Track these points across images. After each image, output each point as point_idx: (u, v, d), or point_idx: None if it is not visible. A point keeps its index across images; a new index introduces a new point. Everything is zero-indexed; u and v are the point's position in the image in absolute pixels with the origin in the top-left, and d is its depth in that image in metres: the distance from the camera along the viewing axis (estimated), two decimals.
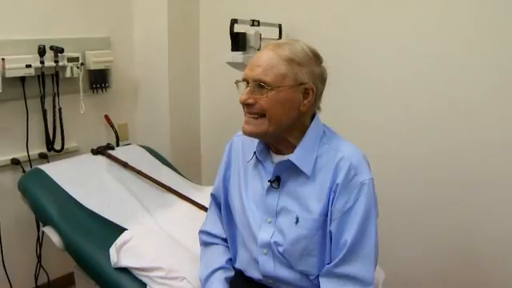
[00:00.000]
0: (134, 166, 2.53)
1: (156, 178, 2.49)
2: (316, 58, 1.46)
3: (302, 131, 1.48)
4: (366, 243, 1.40)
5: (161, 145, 3.03)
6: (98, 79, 2.97)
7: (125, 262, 1.90)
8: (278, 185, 1.50)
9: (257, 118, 1.42)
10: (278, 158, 1.51)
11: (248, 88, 1.42)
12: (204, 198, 2.32)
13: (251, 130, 1.44)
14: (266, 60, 1.40)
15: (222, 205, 1.71)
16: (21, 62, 2.54)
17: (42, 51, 2.61)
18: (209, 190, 2.40)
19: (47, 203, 2.20)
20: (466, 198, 2.25)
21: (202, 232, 1.79)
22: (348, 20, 2.50)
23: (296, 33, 2.66)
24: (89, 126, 3.01)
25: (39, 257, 2.89)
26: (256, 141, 1.54)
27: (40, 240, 2.85)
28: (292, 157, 1.45)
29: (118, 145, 2.87)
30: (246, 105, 1.43)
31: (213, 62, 3.20)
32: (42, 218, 2.23)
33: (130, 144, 2.99)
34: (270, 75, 1.38)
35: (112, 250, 1.94)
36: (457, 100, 2.21)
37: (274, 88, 1.38)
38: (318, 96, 1.47)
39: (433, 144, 2.31)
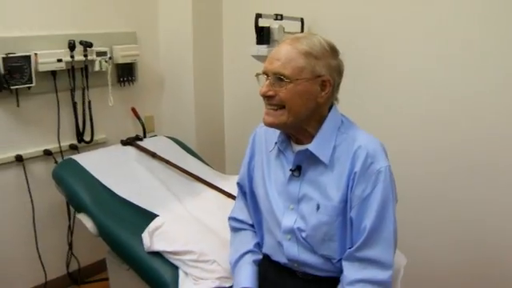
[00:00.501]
0: (162, 156, 2.62)
1: (183, 168, 2.58)
2: (333, 51, 1.50)
3: (320, 121, 1.53)
4: (385, 228, 1.45)
5: (186, 136, 3.10)
6: (125, 73, 3.06)
7: (157, 247, 1.99)
8: (299, 173, 1.55)
9: (276, 110, 1.48)
10: (297, 148, 1.56)
11: (268, 81, 1.48)
12: (230, 187, 2.39)
13: (271, 121, 1.50)
14: (284, 54, 1.46)
15: (248, 193, 1.78)
16: (52, 57, 2.64)
17: (72, 46, 2.71)
18: (234, 179, 2.49)
19: (81, 191, 2.29)
20: (483, 190, 2.30)
21: (230, 218, 1.87)
22: (368, 13, 2.53)
23: (317, 26, 2.71)
24: (116, 118, 3.10)
25: (70, 244, 3.00)
26: (278, 132, 1.61)
27: (71, 228, 2.96)
28: (310, 146, 1.51)
29: (144, 136, 2.95)
30: (266, 97, 1.49)
31: (236, 55, 3.26)
32: (76, 205, 2.32)
33: (156, 135, 3.07)
34: (289, 68, 1.44)
35: (145, 235, 2.03)
36: (471, 94, 2.25)
37: (293, 81, 1.44)
38: (335, 88, 1.52)
39: (446, 135, 2.35)
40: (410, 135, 2.41)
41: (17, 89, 2.54)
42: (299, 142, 1.57)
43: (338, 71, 1.51)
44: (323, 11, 2.71)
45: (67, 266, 3.06)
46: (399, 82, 2.44)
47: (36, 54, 2.58)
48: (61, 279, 3.03)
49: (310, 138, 1.53)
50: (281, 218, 1.58)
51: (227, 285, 1.84)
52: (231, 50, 3.30)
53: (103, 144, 3.02)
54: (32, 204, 2.75)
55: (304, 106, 1.46)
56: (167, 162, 2.57)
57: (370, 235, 1.44)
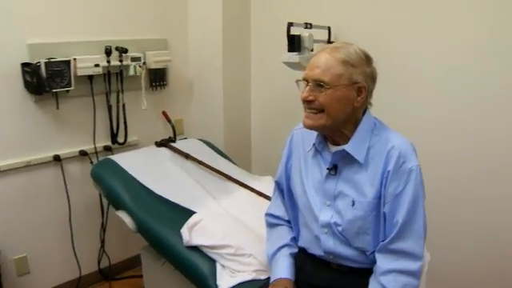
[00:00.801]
0: (195, 157, 2.74)
1: (216, 168, 2.70)
2: (367, 59, 1.62)
3: (355, 124, 1.65)
4: (416, 222, 1.57)
5: (214, 139, 3.20)
6: (157, 77, 3.19)
7: (196, 241, 2.10)
8: (336, 172, 1.67)
9: (316, 113, 1.60)
10: (334, 148, 1.68)
11: (308, 87, 1.60)
12: (261, 187, 2.51)
13: (311, 123, 1.62)
14: (323, 62, 1.57)
15: (285, 190, 1.89)
16: (90, 62, 2.78)
17: (108, 51, 2.84)
18: (264, 179, 2.62)
19: (120, 189, 2.41)
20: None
21: (267, 215, 1.98)
22: (391, 20, 2.61)
23: (343, 34, 2.81)
24: (148, 121, 3.23)
25: (103, 242, 3.13)
26: (315, 133, 1.72)
27: (104, 226, 3.09)
28: (346, 147, 1.62)
29: (174, 138, 3.07)
30: (307, 101, 1.61)
31: (263, 61, 3.37)
32: (114, 203, 2.44)
33: (186, 138, 3.19)
34: (328, 75, 1.55)
35: (184, 231, 2.14)
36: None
37: (332, 87, 1.55)
38: (369, 93, 1.64)
39: (471, 136, 2.41)
40: (436, 136, 2.48)
41: (57, 92, 2.68)
42: (335, 143, 1.68)
43: (372, 78, 1.63)
44: (348, 19, 2.80)
45: (98, 263, 3.18)
46: (423, 86, 2.52)
47: (75, 59, 2.71)
48: (93, 275, 3.16)
49: (346, 139, 1.64)
50: (318, 213, 1.69)
51: (263, 277, 1.95)
52: (258, 56, 3.41)
53: (135, 146, 3.15)
54: (69, 202, 2.88)
55: (341, 110, 1.58)
56: (200, 162, 2.69)
57: (402, 228, 1.55)
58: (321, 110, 1.58)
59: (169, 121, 3.22)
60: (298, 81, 1.66)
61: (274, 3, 3.23)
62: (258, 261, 2.00)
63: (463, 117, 2.41)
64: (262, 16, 3.33)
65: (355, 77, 1.57)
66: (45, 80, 2.57)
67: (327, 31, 2.81)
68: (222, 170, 2.68)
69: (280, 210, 1.93)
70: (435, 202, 2.36)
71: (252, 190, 2.52)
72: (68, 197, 2.88)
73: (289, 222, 1.91)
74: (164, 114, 3.23)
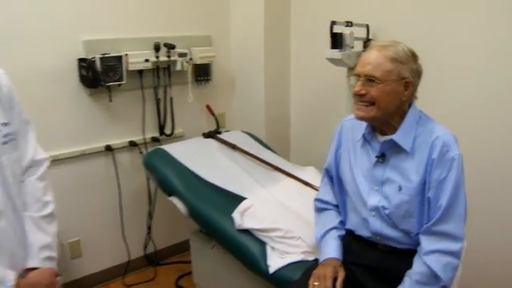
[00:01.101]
0: (241, 147, 2.89)
1: (262, 158, 2.84)
2: (414, 56, 1.75)
3: (402, 116, 1.77)
4: (457, 206, 1.69)
5: (255, 132, 3.32)
6: (202, 72, 3.34)
7: (247, 224, 2.24)
8: (384, 160, 1.80)
9: (367, 106, 1.72)
10: (382, 138, 1.81)
11: (360, 81, 1.72)
12: (306, 176, 2.64)
13: (362, 115, 1.75)
14: (374, 59, 1.70)
15: (334, 177, 2.02)
16: (140, 57, 2.94)
17: (157, 47, 3.00)
18: (308, 169, 2.75)
19: (172, 177, 2.57)
20: None
21: (316, 200, 2.11)
22: (425, 20, 2.70)
23: (381, 32, 2.90)
24: (193, 114, 3.39)
25: (149, 228, 3.29)
26: (363, 125, 1.85)
27: (151, 214, 3.25)
28: (394, 137, 1.75)
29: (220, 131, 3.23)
30: (359, 95, 1.73)
31: (302, 58, 3.49)
32: (167, 189, 2.59)
33: (229, 130, 3.33)
34: (379, 71, 1.68)
35: (236, 215, 2.28)
36: None
37: (382, 81, 1.68)
38: (415, 87, 1.76)
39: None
40: (476, 130, 2.56)
41: (110, 85, 2.85)
42: (383, 133, 1.80)
43: (418, 74, 1.75)
44: (386, 18, 2.89)
45: (145, 248, 3.35)
46: (461, 81, 2.61)
47: (127, 55, 2.87)
48: (139, 260, 3.33)
49: (393, 129, 1.76)
50: (366, 197, 1.82)
51: (310, 258, 2.09)
52: (297, 53, 3.53)
53: (181, 137, 3.30)
54: (119, 190, 3.06)
55: (390, 102, 1.70)
56: (247, 152, 2.83)
57: (445, 212, 1.67)
58: (371, 103, 1.71)
59: (212, 114, 3.36)
60: (349, 76, 1.79)
61: (314, 2, 3.34)
62: (306, 243, 2.14)
63: (503, 108, 2.48)
64: (301, 13, 3.45)
65: (403, 72, 1.69)
66: (100, 74, 2.73)
67: (366, 29, 2.92)
68: (267, 160, 2.82)
69: (329, 196, 2.06)
70: (475, 190, 2.45)
71: (297, 179, 2.64)
72: (119, 185, 3.05)
73: (336, 206, 2.04)
74: (208, 107, 3.38)
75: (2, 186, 1.29)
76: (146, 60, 2.96)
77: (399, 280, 1.74)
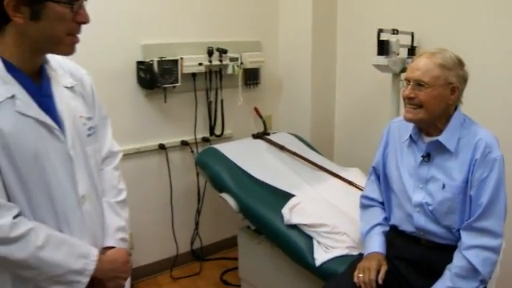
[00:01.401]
0: (289, 148, 3.03)
1: (309, 159, 2.97)
2: (460, 63, 1.86)
3: (447, 119, 1.89)
4: (498, 204, 1.79)
5: (300, 134, 3.45)
6: (251, 76, 3.50)
7: (295, 220, 2.37)
8: (429, 159, 1.91)
9: (416, 109, 1.85)
10: (428, 139, 1.92)
11: (409, 86, 1.85)
12: (351, 177, 2.75)
13: (411, 117, 1.87)
14: (423, 65, 1.82)
15: (381, 175, 2.14)
16: (194, 61, 3.11)
17: (210, 52, 3.17)
18: (352, 170, 2.86)
19: (223, 174, 2.72)
20: None
21: (363, 197, 2.23)
22: (467, 28, 2.80)
23: (426, 39, 3.00)
24: (241, 116, 3.54)
25: (197, 224, 3.44)
26: (410, 126, 1.97)
27: (199, 211, 3.40)
28: (440, 137, 1.86)
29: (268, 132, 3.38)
30: (408, 98, 1.86)
31: (347, 63, 3.61)
32: (219, 186, 2.74)
33: (275, 132, 3.47)
34: (427, 77, 1.80)
35: (285, 211, 2.41)
36: None
37: (431, 86, 1.80)
38: (460, 92, 1.88)
39: None
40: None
41: (165, 87, 3.01)
42: (429, 135, 1.92)
43: (464, 79, 1.86)
44: (430, 26, 2.99)
45: (191, 244, 3.50)
46: (505, 87, 2.68)
47: (182, 58, 3.05)
48: (186, 255, 3.47)
49: (439, 131, 1.88)
50: (411, 194, 1.93)
51: (355, 253, 2.20)
52: (343, 58, 3.66)
53: (230, 138, 3.45)
54: (171, 187, 3.22)
55: (437, 106, 1.82)
56: (294, 153, 2.96)
57: (486, 209, 1.78)
58: (420, 106, 1.83)
59: (260, 116, 3.50)
60: (400, 80, 1.91)
61: (359, 9, 3.46)
62: (351, 239, 2.26)
63: None
64: (347, 20, 3.57)
65: (450, 78, 1.81)
66: (157, 76, 2.91)
67: (411, 37, 3.02)
68: (313, 160, 2.94)
69: (375, 193, 2.18)
70: None
71: (342, 178, 2.76)
72: (170, 182, 3.22)
73: (382, 203, 2.15)
74: (256, 110, 3.52)
75: (87, 173, 1.45)
76: (200, 64, 3.12)
77: (440, 274, 1.84)
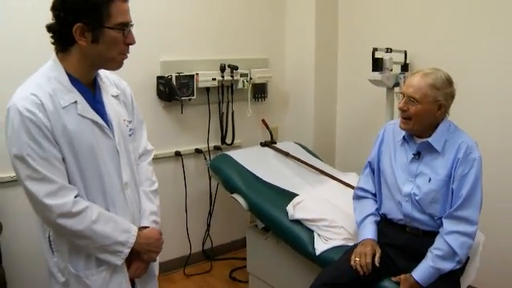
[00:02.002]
0: (293, 155, 3.35)
1: (311, 164, 3.28)
2: (449, 82, 2.18)
3: (436, 126, 2.21)
4: (475, 196, 2.12)
5: (304, 144, 3.75)
6: (259, 91, 3.82)
7: (299, 215, 2.67)
8: (419, 157, 2.24)
9: (407, 120, 2.19)
10: (419, 140, 2.24)
11: (404, 99, 2.18)
12: (348, 180, 3.07)
13: (404, 127, 2.22)
14: (416, 84, 2.15)
15: (375, 169, 2.45)
16: (208, 77, 3.44)
17: (222, 68, 3.49)
18: (350, 174, 3.17)
19: (235, 177, 3.02)
20: None
21: (357, 188, 2.55)
22: (457, 47, 3.11)
23: (418, 57, 3.33)
24: (250, 127, 3.85)
25: (208, 226, 3.74)
26: None
27: (211, 213, 3.70)
28: (430, 139, 2.20)
29: (275, 141, 3.70)
30: (402, 110, 2.19)
31: (347, 78, 3.96)
32: (230, 187, 3.03)
33: (281, 142, 3.77)
34: (418, 94, 2.13)
35: (289, 208, 2.71)
36: None
37: (420, 102, 2.13)
38: (447, 108, 2.20)
39: None
40: (495, 137, 2.95)
41: (182, 100, 3.33)
42: (419, 137, 2.25)
43: (451, 96, 2.19)
44: (422, 45, 3.32)
45: (203, 244, 3.78)
46: (486, 101, 2.98)
47: (197, 74, 3.38)
48: (197, 254, 3.75)
49: (428, 135, 2.21)
50: (402, 186, 2.26)
51: (350, 243, 2.49)
52: (343, 74, 4.00)
53: (239, 147, 3.76)
54: (186, 191, 3.52)
55: (425, 119, 2.17)
56: (298, 159, 3.28)
57: (465, 200, 2.10)
58: (409, 118, 2.17)
59: (267, 127, 3.81)
60: (397, 93, 2.27)
61: (358, 30, 3.81)
62: (347, 231, 2.56)
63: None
64: (347, 40, 3.92)
65: (438, 97, 2.14)
66: (176, 90, 3.23)
67: (404, 54, 3.34)
68: (315, 165, 3.26)
69: (368, 185, 2.50)
70: (493, 189, 2.77)
71: (341, 181, 3.08)
72: (186, 186, 3.51)
73: (374, 195, 2.47)
74: (263, 121, 3.83)
75: (128, 165, 1.77)
76: (213, 79, 3.44)
77: (423, 257, 2.14)
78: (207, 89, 3.49)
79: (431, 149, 2.20)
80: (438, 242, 2.12)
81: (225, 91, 3.61)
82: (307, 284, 2.36)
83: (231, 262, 3.81)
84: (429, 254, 2.12)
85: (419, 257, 2.16)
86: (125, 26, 1.60)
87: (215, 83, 3.47)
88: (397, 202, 2.27)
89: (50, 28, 1.58)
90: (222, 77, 3.50)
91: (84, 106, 1.60)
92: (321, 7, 3.80)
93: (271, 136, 3.76)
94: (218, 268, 3.73)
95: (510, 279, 2.96)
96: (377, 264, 2.20)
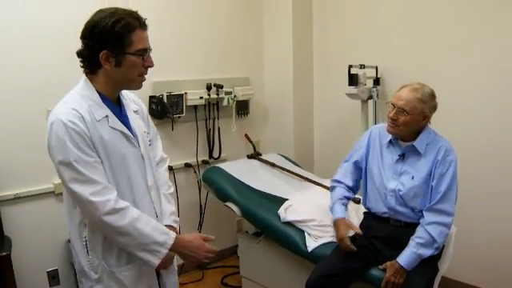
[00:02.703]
0: (279, 165, 3.62)
1: (295, 172, 3.56)
2: (433, 96, 2.47)
3: (419, 132, 2.50)
4: (452, 192, 2.42)
5: (285, 154, 4.04)
6: (242, 107, 4.08)
7: (290, 218, 2.92)
8: (403, 158, 2.53)
9: (395, 126, 2.46)
10: (404, 144, 2.53)
11: (394, 110, 2.45)
12: (329, 185, 3.29)
13: (392, 131, 2.50)
14: (406, 97, 2.41)
15: (363, 168, 2.70)
16: (196, 95, 3.67)
17: (209, 87, 3.75)
18: (329, 181, 3.40)
19: (227, 186, 3.26)
20: None
21: (332, 180, 2.82)
22: (422, 62, 3.43)
23: (387, 72, 3.67)
24: (234, 141, 4.10)
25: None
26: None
27: (201, 223, 3.92)
28: (414, 143, 2.48)
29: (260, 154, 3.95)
30: (392, 119, 2.46)
31: (323, 93, 4.27)
32: (223, 196, 3.26)
33: (266, 154, 4.03)
34: (408, 106, 2.39)
35: (281, 211, 2.96)
36: None
37: (409, 114, 2.41)
38: (430, 117, 2.50)
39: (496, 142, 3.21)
40: (469, 144, 3.24)
41: (173, 117, 3.56)
42: (404, 140, 2.54)
43: (434, 108, 2.49)
44: (391, 61, 3.65)
45: None
46: (453, 111, 3.28)
47: (186, 93, 3.61)
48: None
49: (412, 139, 2.51)
50: (387, 183, 2.54)
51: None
52: (319, 89, 4.31)
53: (225, 160, 3.99)
54: (177, 203, 3.70)
55: (411, 127, 2.46)
56: (283, 168, 3.55)
57: (444, 196, 2.41)
58: (398, 126, 2.45)
59: (250, 141, 4.07)
60: (387, 103, 2.57)
61: (331, 48, 4.14)
62: (334, 230, 2.80)
63: (486, 130, 3.22)
64: (322, 58, 4.24)
65: (424, 109, 2.43)
66: (168, 108, 3.47)
67: (375, 70, 3.67)
68: (298, 173, 3.54)
69: (341, 176, 2.77)
70: (466, 187, 3.00)
71: (323, 186, 3.36)
72: (178, 199, 3.71)
73: (348, 186, 2.75)
74: (246, 136, 4.07)
75: (151, 170, 1.99)
76: (201, 97, 3.69)
77: (406, 246, 2.43)
78: (195, 107, 3.72)
79: (415, 151, 2.50)
80: (420, 232, 2.42)
81: (211, 108, 3.86)
82: (299, 282, 2.62)
83: (222, 269, 3.99)
84: (411, 242, 2.41)
85: (402, 246, 2.44)
86: (144, 52, 1.82)
87: (202, 101, 3.70)
88: (382, 197, 2.56)
89: (79, 54, 1.82)
90: (209, 95, 3.74)
91: (114, 120, 1.84)
92: (297, 29, 4.11)
93: (254, 149, 4.01)
94: (209, 276, 3.90)
95: (478, 266, 3.29)
96: (359, 231, 2.56)
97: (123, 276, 1.88)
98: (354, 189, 2.79)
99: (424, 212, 2.45)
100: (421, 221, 2.45)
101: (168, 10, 3.60)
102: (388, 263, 2.42)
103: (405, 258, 2.38)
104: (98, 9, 1.80)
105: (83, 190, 1.72)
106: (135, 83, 1.87)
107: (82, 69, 1.85)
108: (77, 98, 1.79)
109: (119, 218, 1.76)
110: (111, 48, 1.74)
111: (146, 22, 1.83)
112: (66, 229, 3.07)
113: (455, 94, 3.28)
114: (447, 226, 2.41)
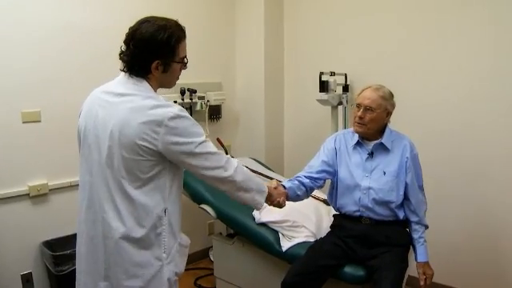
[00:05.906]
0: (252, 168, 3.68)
1: (269, 175, 3.63)
2: (391, 95, 2.65)
3: (382, 130, 2.67)
4: (422, 181, 2.67)
5: (257, 158, 4.14)
6: (215, 112, 4.17)
7: (264, 219, 3.00)
8: (372, 156, 2.67)
9: (363, 125, 2.61)
10: (371, 143, 2.67)
11: (361, 109, 2.60)
12: None
13: (359, 130, 2.64)
14: (370, 96, 2.58)
15: (334, 172, 2.76)
16: (170, 100, 3.64)
17: (183, 92, 3.83)
18: None
19: (202, 189, 3.31)
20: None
21: (296, 177, 2.76)
22: (387, 70, 3.61)
23: (355, 78, 3.82)
24: None
25: None
26: (355, 136, 2.70)
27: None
28: (382, 140, 2.64)
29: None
30: (360, 118, 2.60)
31: (293, 99, 4.40)
32: (199, 199, 3.30)
33: (236, 157, 4.10)
34: (374, 104, 2.57)
35: (255, 212, 3.04)
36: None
37: (375, 111, 2.58)
38: (391, 115, 2.67)
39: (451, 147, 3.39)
40: (430, 146, 3.37)
41: None
42: (369, 140, 2.69)
43: (393, 106, 2.66)
44: (359, 69, 3.81)
45: None
46: (416, 112, 3.49)
47: None
48: None
49: (376, 138, 2.66)
50: (360, 182, 2.66)
51: (311, 240, 2.87)
52: (290, 95, 4.44)
53: None
54: None
55: (377, 124, 2.62)
56: (256, 171, 3.62)
57: (420, 188, 2.67)
58: (365, 124, 2.60)
59: (222, 145, 4.13)
60: (353, 104, 2.75)
61: (301, 55, 4.27)
62: (308, 230, 2.93)
63: (448, 131, 3.42)
64: (293, 65, 4.37)
65: (387, 106, 2.61)
66: None
67: (344, 77, 3.81)
68: (270, 176, 3.61)
69: (303, 172, 2.77)
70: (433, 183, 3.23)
71: None
72: None
73: (306, 177, 2.74)
74: (218, 140, 4.11)
75: None
76: (175, 101, 3.70)
77: (378, 243, 2.58)
78: None
79: (383, 148, 2.65)
80: (417, 229, 2.66)
81: None
82: (272, 281, 2.72)
83: (193, 271, 4.04)
84: (419, 240, 2.64)
85: (374, 243, 2.60)
86: (185, 58, 2.02)
87: None
88: (354, 195, 2.68)
89: (127, 62, 1.94)
90: (183, 99, 3.82)
91: None
92: (269, 36, 4.24)
93: (226, 152, 4.05)
94: (182, 279, 3.87)
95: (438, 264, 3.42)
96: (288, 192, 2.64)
97: (187, 250, 2.22)
98: (313, 179, 2.76)
99: (411, 215, 2.68)
100: (412, 219, 2.67)
101: (141, 15, 3.61)
102: (415, 266, 2.64)
103: (422, 254, 2.62)
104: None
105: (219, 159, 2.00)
106: (172, 84, 2.09)
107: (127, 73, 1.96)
108: (160, 97, 1.95)
109: (242, 170, 2.15)
110: (163, 58, 1.92)
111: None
112: (40, 231, 3.18)
113: (414, 98, 3.50)
114: (426, 204, 2.70)
